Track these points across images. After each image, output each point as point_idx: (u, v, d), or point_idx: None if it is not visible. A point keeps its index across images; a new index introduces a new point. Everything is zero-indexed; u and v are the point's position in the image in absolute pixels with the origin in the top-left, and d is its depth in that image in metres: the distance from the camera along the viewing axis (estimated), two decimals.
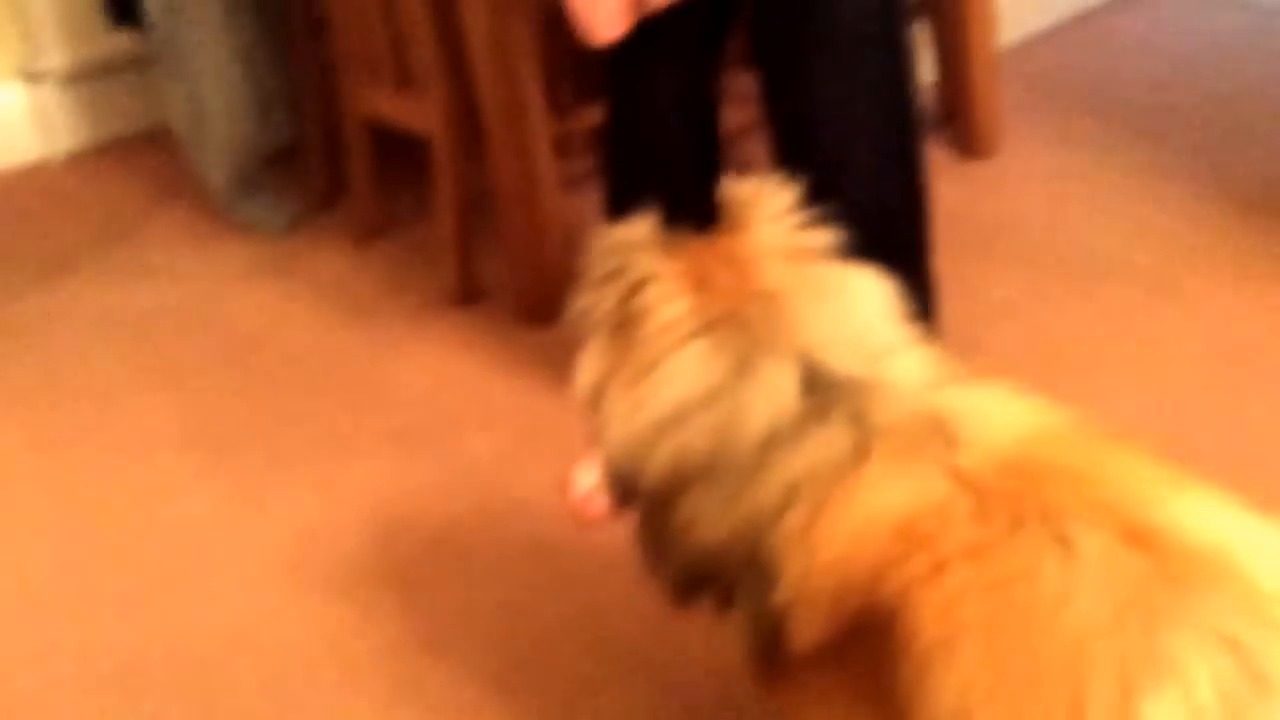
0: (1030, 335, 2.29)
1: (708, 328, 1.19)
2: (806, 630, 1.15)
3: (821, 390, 1.18)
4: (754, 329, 1.18)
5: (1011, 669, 0.97)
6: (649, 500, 1.26)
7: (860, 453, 1.14)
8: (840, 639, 1.12)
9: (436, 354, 2.46)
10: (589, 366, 1.26)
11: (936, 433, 1.12)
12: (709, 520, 1.21)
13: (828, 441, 1.16)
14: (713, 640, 1.42)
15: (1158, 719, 0.90)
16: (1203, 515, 1.02)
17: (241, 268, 2.82)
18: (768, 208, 1.26)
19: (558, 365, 2.33)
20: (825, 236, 1.27)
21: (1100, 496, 1.03)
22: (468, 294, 2.61)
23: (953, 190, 2.75)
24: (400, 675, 1.77)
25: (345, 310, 2.63)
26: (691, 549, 1.24)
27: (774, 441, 1.16)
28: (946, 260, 2.39)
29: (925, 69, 3.05)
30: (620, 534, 1.98)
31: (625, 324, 1.22)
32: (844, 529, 1.12)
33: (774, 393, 1.17)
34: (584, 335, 1.27)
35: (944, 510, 1.07)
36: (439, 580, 1.93)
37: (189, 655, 1.83)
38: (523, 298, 2.52)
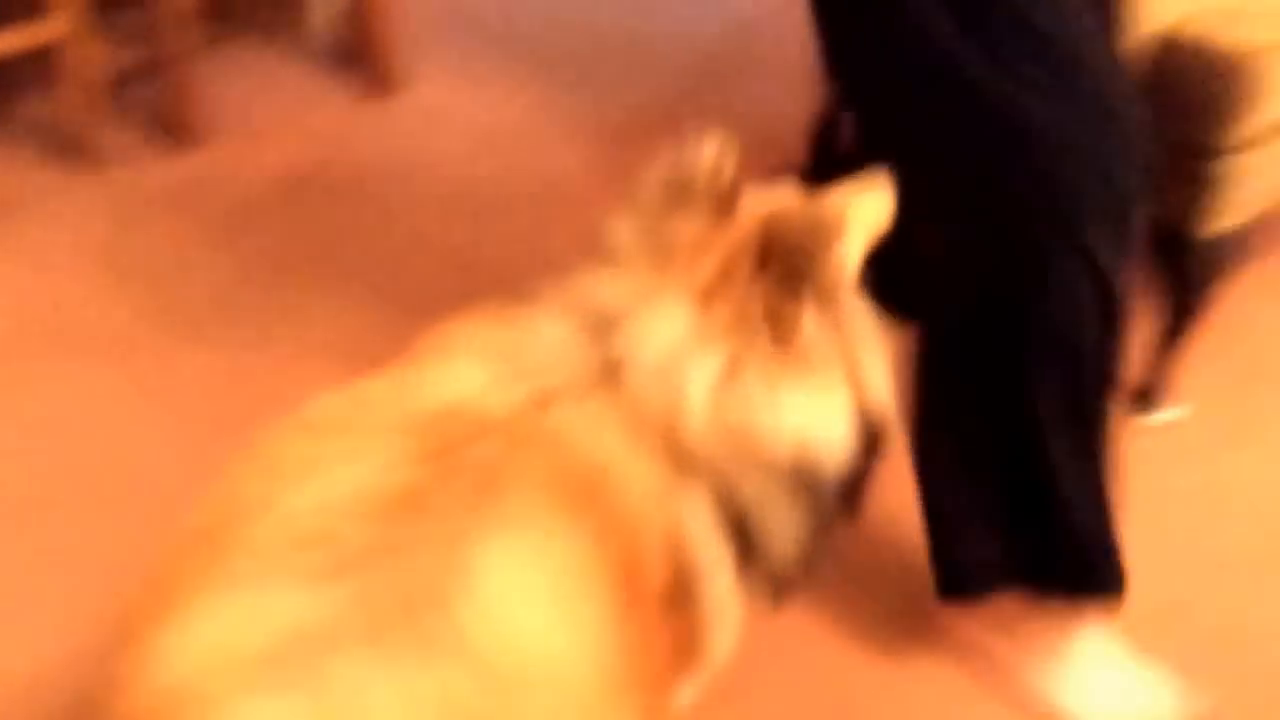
0: (444, 261, 2.42)
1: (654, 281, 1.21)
2: None
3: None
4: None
5: None
6: None
7: None
8: None
9: None
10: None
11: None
12: None
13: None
14: None
15: None
16: None
17: None
18: (840, 238, 1.22)
19: None
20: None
21: None
22: None
23: (362, 129, 2.82)
24: None
25: None
26: None
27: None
28: (366, 201, 2.42)
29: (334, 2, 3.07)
30: None
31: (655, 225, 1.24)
32: None
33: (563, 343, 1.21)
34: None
35: None
36: None
37: None
38: None
